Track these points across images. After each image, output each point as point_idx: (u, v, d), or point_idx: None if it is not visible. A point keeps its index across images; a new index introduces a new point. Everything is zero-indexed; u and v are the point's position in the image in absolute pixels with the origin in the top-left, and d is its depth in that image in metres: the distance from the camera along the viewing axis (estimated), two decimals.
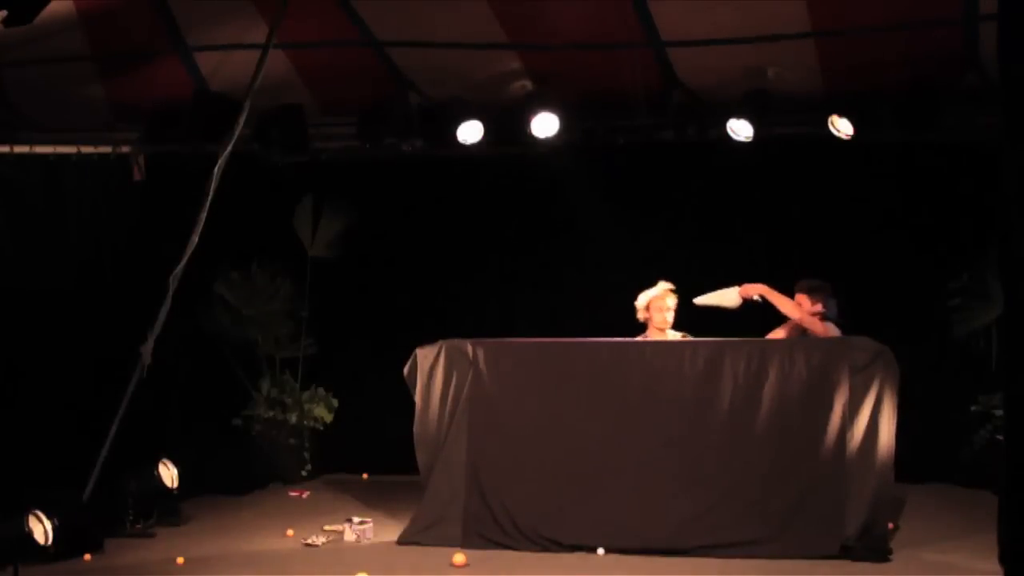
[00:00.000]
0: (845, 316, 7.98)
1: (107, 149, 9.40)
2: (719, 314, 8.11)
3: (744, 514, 7.38)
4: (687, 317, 8.25)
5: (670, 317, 8.18)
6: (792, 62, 8.58)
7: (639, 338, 8.19)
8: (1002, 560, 3.77)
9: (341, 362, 10.62)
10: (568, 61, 8.87)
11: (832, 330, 7.86)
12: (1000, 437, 8.67)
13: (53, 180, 9.12)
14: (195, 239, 7.78)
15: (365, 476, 10.36)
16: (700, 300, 8.13)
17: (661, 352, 7.76)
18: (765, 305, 8.01)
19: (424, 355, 7.99)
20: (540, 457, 7.73)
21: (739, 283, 8.10)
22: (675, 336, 8.16)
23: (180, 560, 7.57)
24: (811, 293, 7.94)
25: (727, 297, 8.08)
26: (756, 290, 8.00)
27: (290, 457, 10.42)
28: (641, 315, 8.26)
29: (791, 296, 8.00)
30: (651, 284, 8.26)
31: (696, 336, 8.06)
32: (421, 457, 7.95)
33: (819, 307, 7.90)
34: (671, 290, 8.20)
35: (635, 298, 8.28)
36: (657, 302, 8.18)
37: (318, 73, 9.16)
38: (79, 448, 8.07)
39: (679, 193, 10.02)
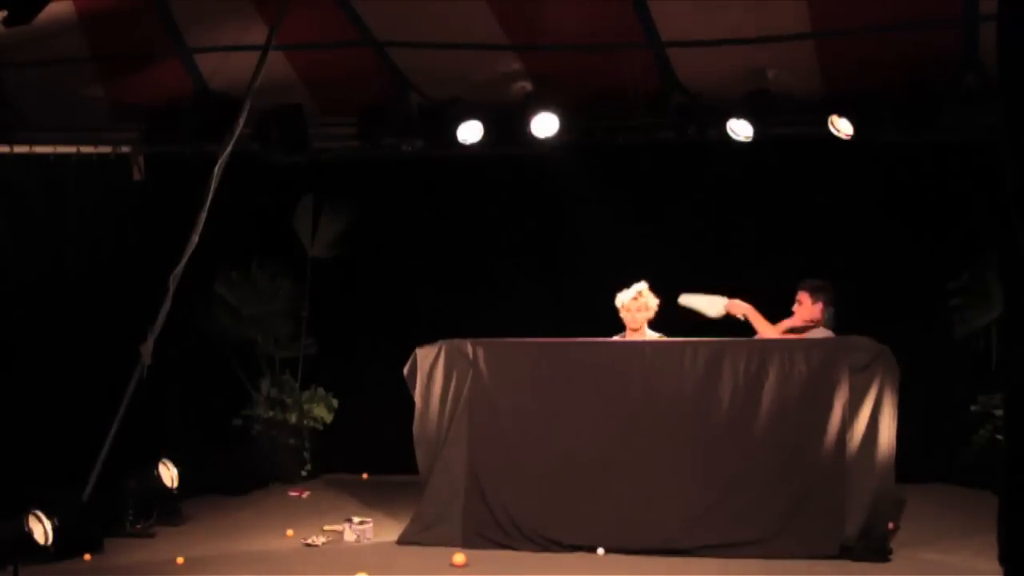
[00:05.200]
0: (840, 324, 7.97)
1: (107, 149, 9.40)
2: (704, 316, 8.13)
3: (744, 514, 7.38)
4: (673, 315, 8.24)
5: (642, 317, 8.17)
6: (792, 62, 8.57)
7: (616, 338, 8.20)
8: (1002, 560, 3.77)
9: (341, 362, 10.62)
10: (568, 62, 8.87)
11: (818, 334, 7.87)
12: (1000, 437, 8.67)
13: (53, 180, 9.11)
14: (195, 239, 7.78)
15: (365, 476, 10.37)
16: (684, 300, 8.15)
17: (661, 352, 7.76)
18: (746, 323, 8.04)
19: (424, 355, 7.99)
20: (540, 457, 7.73)
21: (726, 293, 8.12)
22: (652, 336, 8.16)
23: (180, 560, 7.57)
24: (813, 293, 7.95)
25: (712, 305, 8.10)
26: (742, 309, 8.04)
27: (290, 457, 10.43)
28: (622, 314, 8.26)
29: (791, 302, 8.01)
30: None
31: (672, 337, 8.06)
32: (421, 457, 7.95)
33: (819, 307, 7.91)
34: (647, 291, 8.18)
35: None
36: (631, 303, 8.19)
37: (318, 73, 9.16)
38: (79, 448, 8.06)
39: (679, 193, 10.02)
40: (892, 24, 8.04)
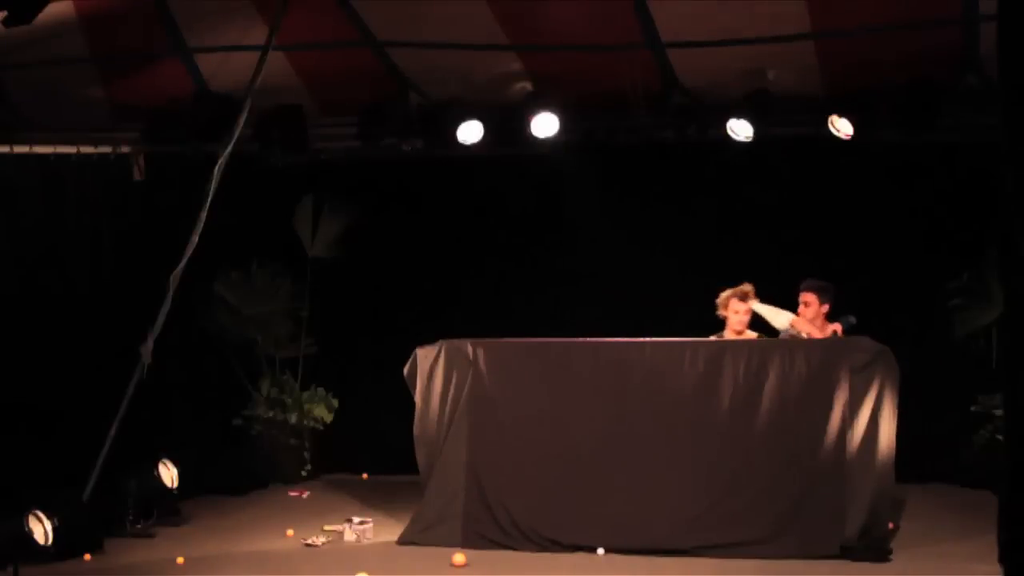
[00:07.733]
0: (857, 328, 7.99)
1: (107, 149, 9.41)
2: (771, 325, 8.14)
3: (744, 514, 7.37)
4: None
5: (745, 318, 8.06)
6: (792, 62, 8.58)
7: (713, 337, 8.10)
8: (1002, 560, 3.77)
9: (341, 362, 10.62)
10: (568, 62, 8.87)
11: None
12: (1000, 437, 8.68)
13: (53, 180, 9.12)
14: (195, 239, 7.79)
15: (365, 476, 10.36)
16: (756, 307, 8.07)
17: (661, 352, 7.75)
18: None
19: (424, 355, 7.99)
20: (540, 457, 7.73)
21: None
22: (752, 337, 8.08)
23: (180, 560, 7.57)
24: (821, 294, 7.95)
25: (779, 318, 8.03)
26: (804, 327, 7.94)
27: (290, 457, 10.42)
28: (720, 312, 8.16)
29: (796, 298, 8.01)
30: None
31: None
32: (421, 457, 7.95)
33: (827, 308, 7.92)
34: (748, 292, 8.05)
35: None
36: (734, 304, 8.06)
37: (318, 73, 9.17)
38: (79, 448, 8.07)
39: (679, 193, 10.01)
40: (892, 24, 8.04)
